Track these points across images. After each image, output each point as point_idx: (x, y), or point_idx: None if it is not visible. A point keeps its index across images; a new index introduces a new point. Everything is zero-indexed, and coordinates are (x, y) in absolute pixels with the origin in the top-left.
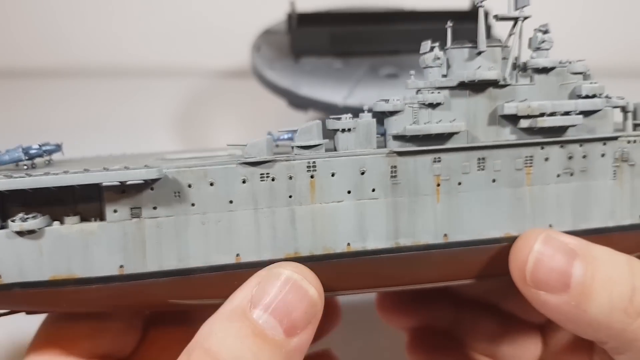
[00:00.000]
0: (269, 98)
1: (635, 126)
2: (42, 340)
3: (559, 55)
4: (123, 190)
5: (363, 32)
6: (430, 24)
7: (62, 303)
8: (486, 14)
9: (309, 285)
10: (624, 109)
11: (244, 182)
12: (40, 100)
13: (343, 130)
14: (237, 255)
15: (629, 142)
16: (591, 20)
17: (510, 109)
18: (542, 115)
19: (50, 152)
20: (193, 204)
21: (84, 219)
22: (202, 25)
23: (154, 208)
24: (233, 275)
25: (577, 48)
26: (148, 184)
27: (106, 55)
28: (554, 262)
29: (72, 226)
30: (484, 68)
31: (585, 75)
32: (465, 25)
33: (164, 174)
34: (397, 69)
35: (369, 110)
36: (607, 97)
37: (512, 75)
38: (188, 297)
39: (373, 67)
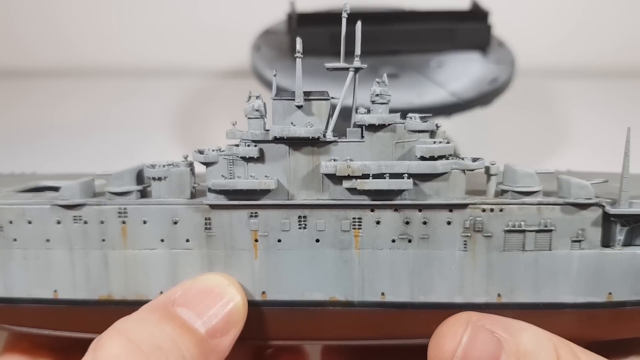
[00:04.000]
0: (269, 98)
1: (503, 192)
2: (11, 342)
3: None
4: None
5: (363, 32)
6: (430, 24)
7: None
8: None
9: (235, 292)
10: (487, 171)
11: (58, 222)
12: (40, 100)
13: (154, 179)
14: (55, 291)
15: (484, 210)
16: (591, 20)
17: (328, 168)
18: (366, 176)
19: None
20: (15, 239)
21: None
22: (202, 25)
23: None
24: (51, 309)
25: (578, 48)
26: None
27: (106, 55)
28: None
29: None
30: (301, 122)
31: (432, 133)
32: (465, 25)
33: None
34: (397, 69)
35: (185, 158)
36: (458, 157)
37: (352, 131)
38: (15, 324)
39: (373, 67)
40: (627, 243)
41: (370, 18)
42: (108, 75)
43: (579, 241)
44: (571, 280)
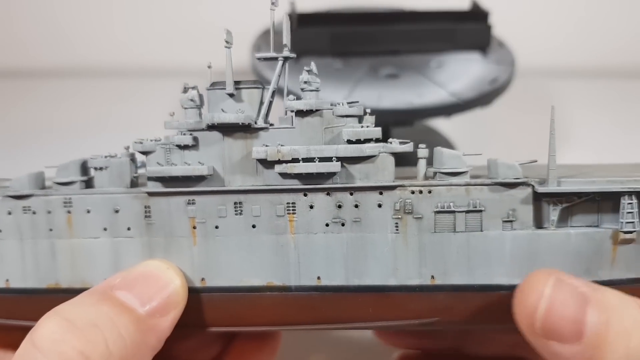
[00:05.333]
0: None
1: (435, 174)
2: None
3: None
4: None
5: (363, 32)
6: (430, 24)
7: None
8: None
9: (174, 275)
10: (416, 154)
11: (9, 213)
12: (40, 100)
13: (96, 169)
14: (7, 280)
15: (413, 192)
16: (591, 20)
17: (259, 153)
18: (296, 160)
19: None
20: None
21: None
22: (202, 25)
23: None
24: (4, 298)
25: (578, 48)
26: None
27: (106, 55)
28: (567, 309)
29: None
30: (232, 110)
31: (361, 118)
32: (465, 25)
33: None
34: (397, 69)
35: (126, 149)
36: (387, 141)
37: (284, 118)
38: None
39: (373, 67)
40: (564, 224)
41: (370, 18)
42: (108, 75)
43: (511, 222)
44: (505, 261)
